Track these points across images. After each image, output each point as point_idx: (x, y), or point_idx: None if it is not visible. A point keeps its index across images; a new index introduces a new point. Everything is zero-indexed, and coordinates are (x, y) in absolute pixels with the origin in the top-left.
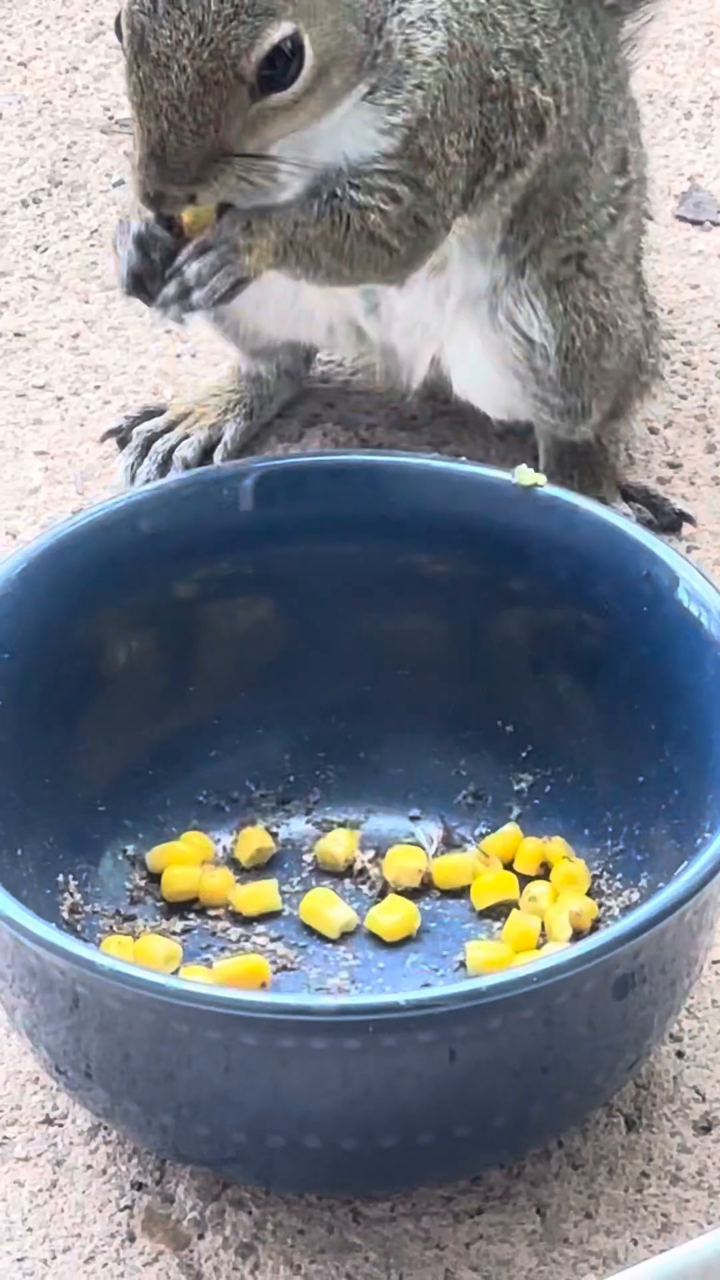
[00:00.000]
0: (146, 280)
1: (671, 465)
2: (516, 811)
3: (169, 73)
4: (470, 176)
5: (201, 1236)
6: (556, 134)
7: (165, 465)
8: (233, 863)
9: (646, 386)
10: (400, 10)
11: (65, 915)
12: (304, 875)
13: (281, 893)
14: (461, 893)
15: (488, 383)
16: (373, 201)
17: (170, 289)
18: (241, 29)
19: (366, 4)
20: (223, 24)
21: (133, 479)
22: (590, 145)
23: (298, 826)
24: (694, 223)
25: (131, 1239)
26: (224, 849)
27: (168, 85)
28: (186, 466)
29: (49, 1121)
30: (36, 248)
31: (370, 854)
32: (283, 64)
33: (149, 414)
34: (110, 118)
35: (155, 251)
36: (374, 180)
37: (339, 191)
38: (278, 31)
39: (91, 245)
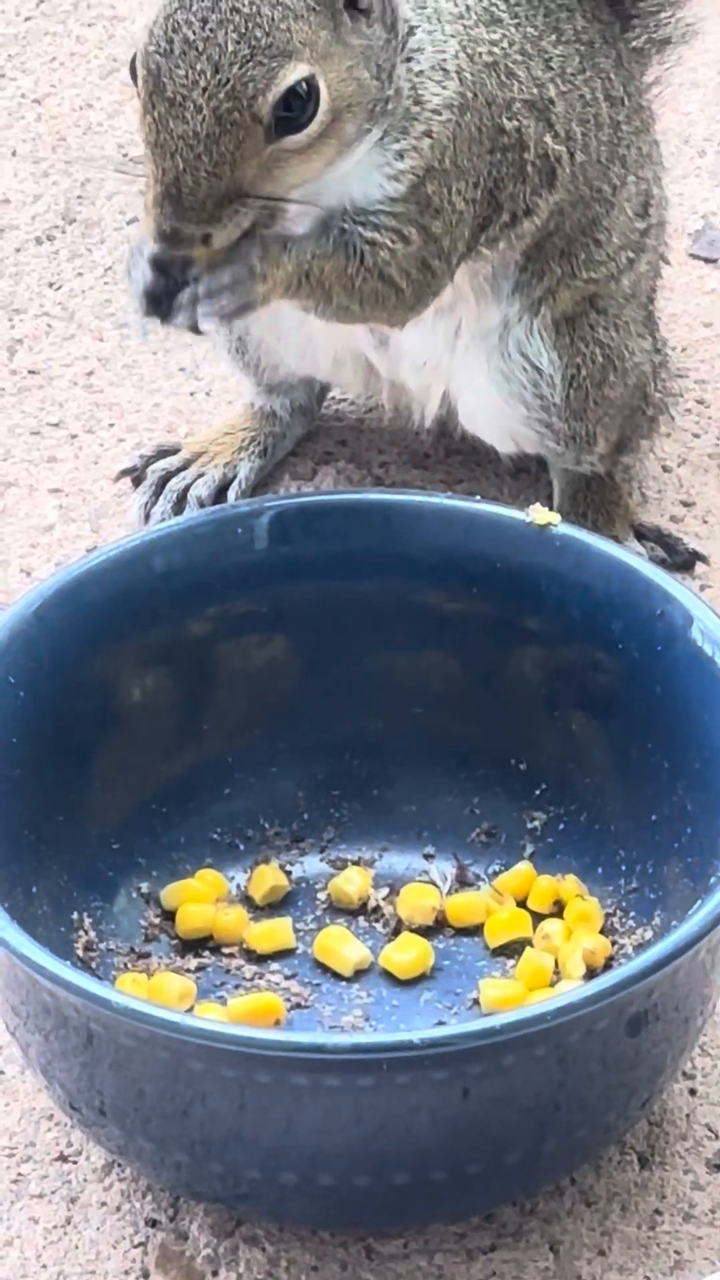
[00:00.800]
0: (162, 299)
1: (685, 504)
2: (530, 849)
3: (185, 113)
4: (476, 224)
5: (215, 1273)
6: (570, 180)
7: (180, 504)
8: (247, 900)
9: (654, 421)
10: (410, 58)
11: (80, 953)
12: (318, 913)
13: (295, 930)
14: (475, 931)
15: (493, 409)
16: (381, 239)
17: (183, 297)
18: (258, 70)
19: (379, 51)
20: (239, 65)
21: (147, 518)
22: (612, 187)
23: (312, 864)
24: (707, 260)
25: (146, 1276)
26: (238, 887)
27: (183, 125)
28: (201, 505)
29: (63, 1159)
30: (51, 285)
31: (384, 892)
32: (298, 106)
33: (163, 452)
34: (124, 155)
35: (173, 270)
36: (381, 220)
37: (347, 227)
38: (294, 73)
39: (106, 283)
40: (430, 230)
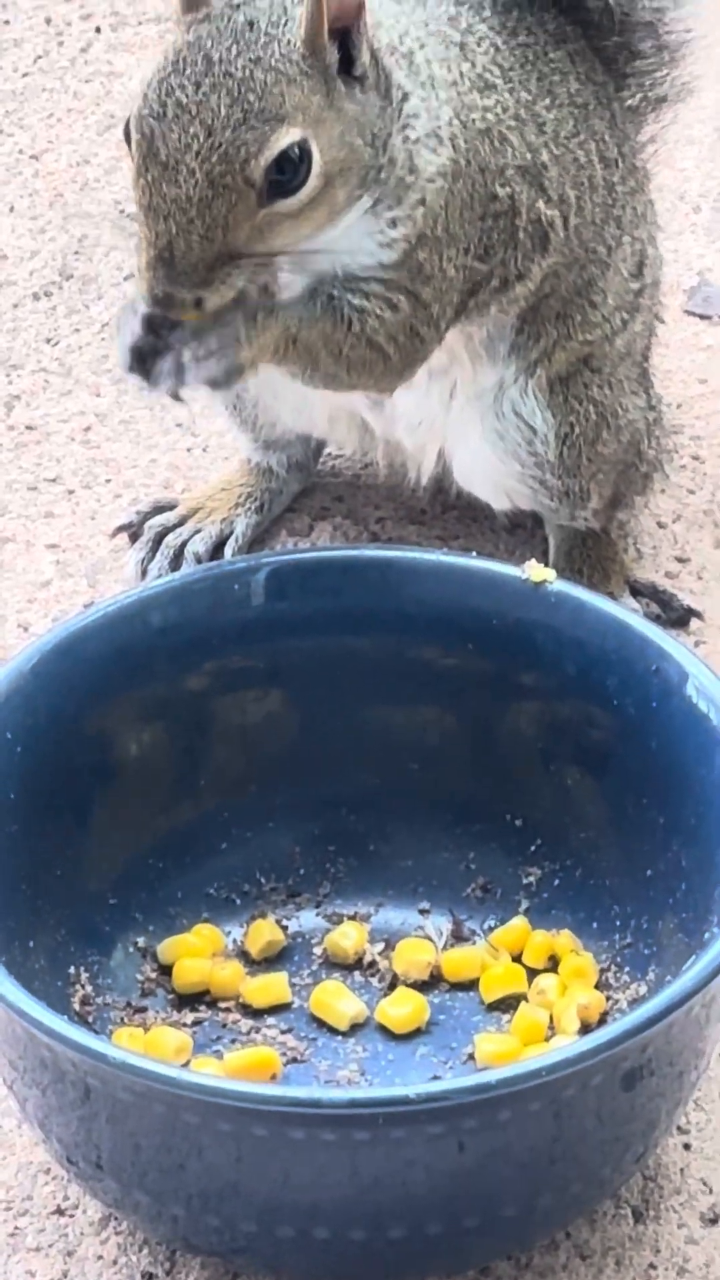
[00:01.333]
0: (148, 357)
1: (680, 560)
2: (525, 904)
3: (178, 176)
4: (466, 290)
5: None
6: (564, 244)
7: (177, 560)
8: (243, 955)
9: (648, 477)
10: (406, 125)
11: (77, 1007)
12: (314, 968)
13: (291, 985)
14: (470, 985)
15: (488, 467)
16: (370, 306)
17: (166, 363)
18: (250, 134)
19: (374, 118)
20: (232, 129)
21: (144, 573)
22: (608, 248)
23: (308, 919)
24: (702, 317)
25: None
26: (234, 941)
27: (176, 189)
28: (198, 561)
29: (60, 1212)
30: (48, 341)
31: (380, 947)
32: (290, 170)
33: (160, 508)
34: (121, 211)
35: (163, 330)
36: (371, 287)
37: (336, 294)
38: (286, 137)
39: (102, 339)
40: (420, 297)
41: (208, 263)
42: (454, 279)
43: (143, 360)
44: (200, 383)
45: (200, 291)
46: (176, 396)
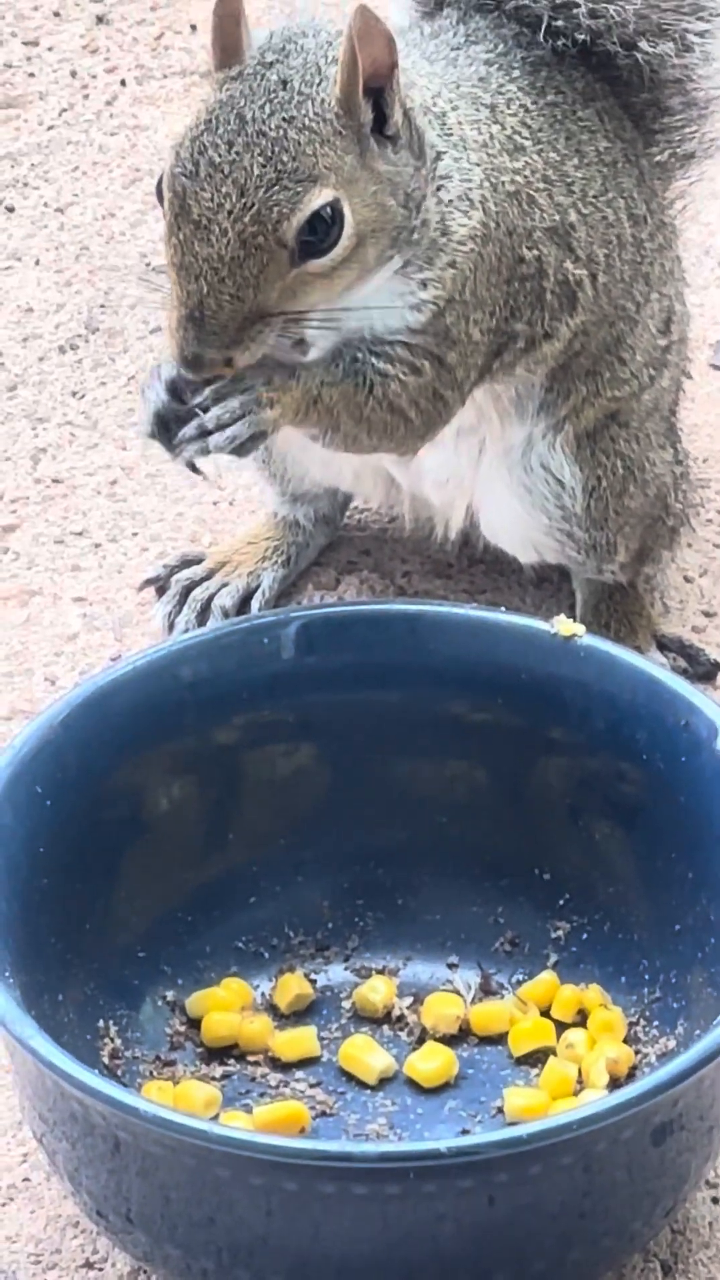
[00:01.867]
0: (171, 423)
1: (706, 614)
2: (554, 958)
3: (210, 235)
4: (491, 352)
5: None
6: (592, 302)
7: (204, 614)
8: (272, 1009)
9: (675, 531)
10: (440, 188)
11: (106, 1060)
12: (342, 1022)
13: (320, 1039)
14: (499, 1039)
15: (515, 521)
16: (394, 370)
17: (190, 429)
18: (283, 194)
19: (407, 178)
20: (265, 188)
21: (171, 627)
22: (636, 304)
23: (336, 973)
24: None
25: None
26: (263, 995)
27: (208, 248)
28: (225, 615)
29: (89, 1265)
30: (74, 394)
31: (408, 1001)
32: (323, 231)
33: (187, 562)
34: (147, 264)
35: (187, 395)
36: (396, 351)
37: (360, 356)
38: (319, 198)
39: (129, 392)
40: (445, 361)
41: (238, 323)
42: (479, 342)
43: (165, 426)
44: (222, 448)
45: (230, 351)
46: (193, 468)
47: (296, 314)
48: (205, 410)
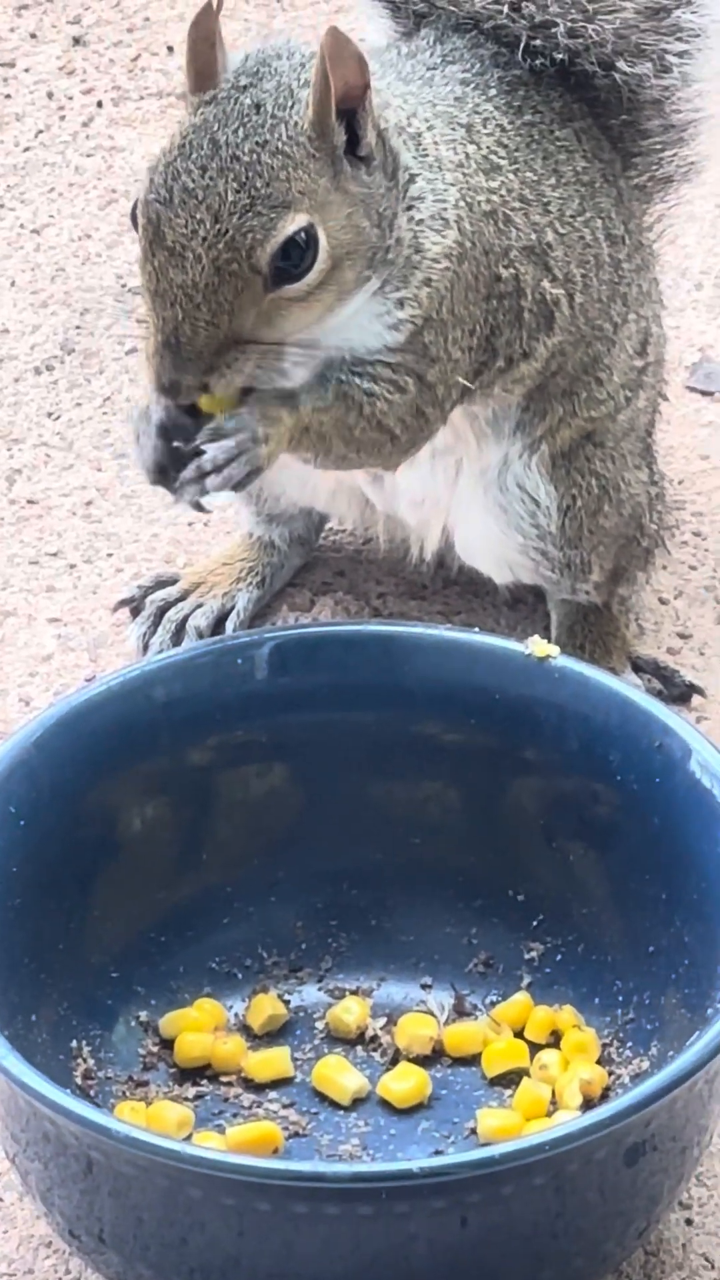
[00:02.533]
0: (169, 467)
1: (682, 636)
2: (527, 980)
3: (184, 262)
4: (471, 370)
5: None
6: (569, 322)
7: (179, 635)
8: (245, 1029)
9: (650, 552)
10: (412, 207)
11: (79, 1081)
12: (316, 1042)
13: (294, 1060)
14: (472, 1060)
15: (490, 539)
16: (379, 389)
17: (188, 473)
18: (257, 220)
19: (381, 199)
20: (238, 215)
21: (145, 648)
22: (614, 325)
23: (310, 994)
24: (704, 393)
25: None
26: (236, 1016)
27: (183, 274)
28: (200, 635)
29: None
30: (49, 415)
31: (382, 1021)
32: (297, 256)
33: (162, 583)
34: (123, 285)
35: (178, 438)
36: (378, 370)
37: (344, 378)
38: (292, 224)
39: (104, 413)
40: (426, 379)
41: (214, 349)
42: (459, 360)
43: (164, 473)
44: (220, 489)
45: (207, 378)
46: (199, 507)
47: (273, 342)
48: (201, 452)
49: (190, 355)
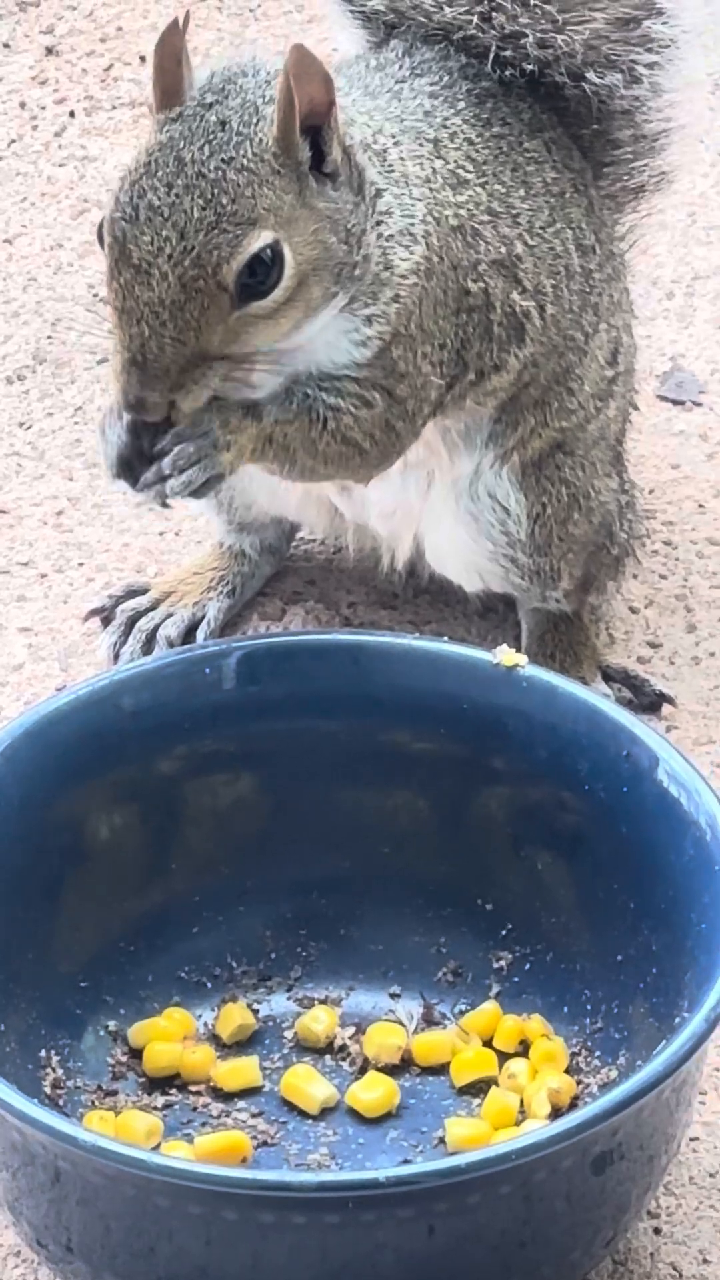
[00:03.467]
0: (134, 463)
1: (652, 645)
2: (496, 989)
3: (150, 279)
4: (442, 384)
5: None
6: (540, 333)
7: (149, 644)
8: (214, 1039)
9: (620, 560)
10: (380, 223)
11: (47, 1090)
12: (285, 1051)
13: (262, 1069)
14: (441, 1069)
15: (460, 547)
16: (344, 405)
17: (149, 475)
18: (223, 237)
19: (347, 216)
20: (204, 232)
21: (116, 657)
22: (585, 334)
23: (279, 1003)
24: (675, 403)
25: None
26: (205, 1025)
27: (149, 292)
28: (170, 645)
29: None
30: (21, 425)
31: (350, 1031)
32: (263, 272)
33: (132, 592)
34: (95, 295)
35: (145, 437)
36: (345, 385)
37: (310, 392)
38: (258, 240)
39: (76, 423)
40: (395, 394)
41: (180, 365)
42: (429, 375)
43: (129, 467)
44: (179, 493)
45: (173, 395)
46: (164, 504)
47: (240, 356)
48: (165, 454)
49: (157, 372)
